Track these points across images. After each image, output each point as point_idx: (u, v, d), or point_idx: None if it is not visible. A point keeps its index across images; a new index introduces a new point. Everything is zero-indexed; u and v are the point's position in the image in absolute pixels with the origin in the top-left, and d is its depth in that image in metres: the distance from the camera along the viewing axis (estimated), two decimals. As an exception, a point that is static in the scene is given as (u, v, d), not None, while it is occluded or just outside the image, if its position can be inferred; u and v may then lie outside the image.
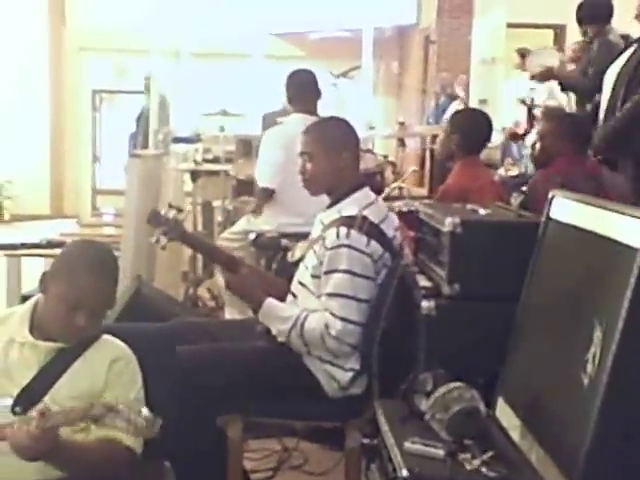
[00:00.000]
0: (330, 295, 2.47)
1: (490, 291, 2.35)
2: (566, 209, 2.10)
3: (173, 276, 5.22)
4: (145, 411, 1.69)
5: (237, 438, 2.51)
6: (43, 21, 10.78)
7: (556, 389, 1.89)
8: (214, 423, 2.47)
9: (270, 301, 2.58)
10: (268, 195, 4.00)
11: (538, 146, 3.60)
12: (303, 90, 4.11)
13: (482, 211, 2.51)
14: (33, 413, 1.68)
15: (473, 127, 3.56)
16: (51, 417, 1.67)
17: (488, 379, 2.18)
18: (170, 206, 2.67)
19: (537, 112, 6.70)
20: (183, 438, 2.28)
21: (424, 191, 7.84)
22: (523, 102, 6.76)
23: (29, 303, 1.97)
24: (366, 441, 2.22)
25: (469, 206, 2.64)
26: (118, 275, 1.95)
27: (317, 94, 4.15)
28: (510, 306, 2.25)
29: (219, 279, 4.28)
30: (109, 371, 1.94)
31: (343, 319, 2.44)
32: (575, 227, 2.02)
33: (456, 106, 8.09)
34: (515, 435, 2.02)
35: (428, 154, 8.16)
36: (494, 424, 2.09)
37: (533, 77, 4.87)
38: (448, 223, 2.34)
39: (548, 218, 2.18)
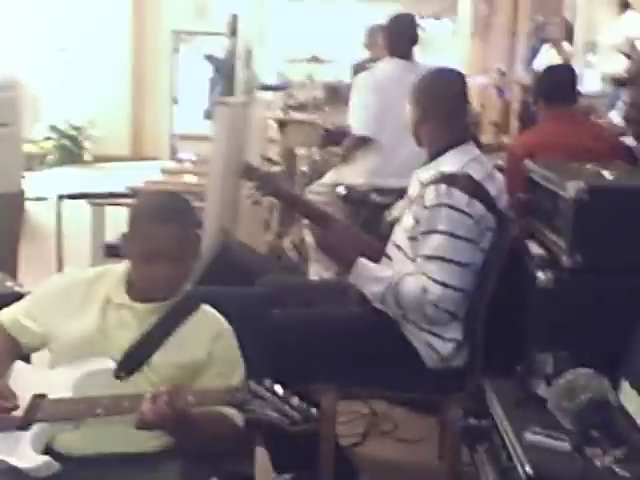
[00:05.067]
0: (428, 257, 2.29)
1: (615, 263, 2.13)
2: None
3: (255, 225, 5.12)
4: (296, 401, 1.57)
5: (330, 408, 2.39)
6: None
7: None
8: (307, 390, 2.35)
9: (362, 261, 2.41)
10: (363, 143, 3.80)
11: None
12: (402, 34, 3.91)
13: (607, 173, 2.26)
14: (162, 388, 1.63)
15: (551, 75, 3.31)
16: (183, 395, 1.63)
17: (610, 360, 1.98)
18: (265, 159, 2.51)
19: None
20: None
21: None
22: (622, 52, 6.34)
23: (123, 265, 1.92)
24: (473, 422, 2.05)
25: (589, 165, 2.40)
26: (191, 219, 1.90)
27: (414, 39, 3.96)
28: (638, 280, 2.04)
29: (303, 230, 4.14)
30: (211, 346, 1.87)
31: (442, 284, 2.26)
32: None
33: (547, 49, 7.69)
34: (645, 426, 1.83)
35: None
36: (620, 411, 1.90)
37: None
38: (571, 188, 2.11)
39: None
